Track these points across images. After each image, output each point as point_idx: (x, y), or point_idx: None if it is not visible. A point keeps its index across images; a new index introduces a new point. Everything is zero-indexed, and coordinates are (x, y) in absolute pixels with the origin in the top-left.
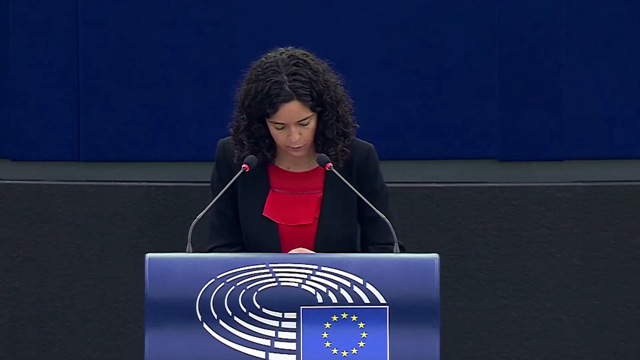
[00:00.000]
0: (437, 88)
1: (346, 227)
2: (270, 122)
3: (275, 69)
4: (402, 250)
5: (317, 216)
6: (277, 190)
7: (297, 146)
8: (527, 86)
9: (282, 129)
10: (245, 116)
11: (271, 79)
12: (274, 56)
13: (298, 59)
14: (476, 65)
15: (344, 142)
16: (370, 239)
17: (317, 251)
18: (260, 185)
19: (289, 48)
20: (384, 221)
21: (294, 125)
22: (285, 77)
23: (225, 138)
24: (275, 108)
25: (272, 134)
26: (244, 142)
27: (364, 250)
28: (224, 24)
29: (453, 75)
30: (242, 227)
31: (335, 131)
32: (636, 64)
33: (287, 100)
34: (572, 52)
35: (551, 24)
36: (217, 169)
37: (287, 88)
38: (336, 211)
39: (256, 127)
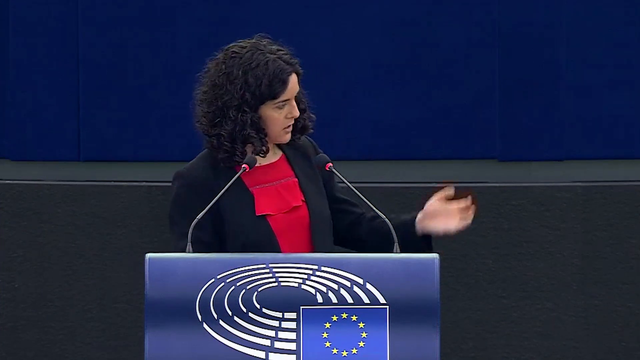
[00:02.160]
0: (437, 88)
1: (327, 206)
2: (275, 103)
3: (261, 51)
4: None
5: (303, 199)
6: (258, 186)
7: (292, 123)
8: (527, 86)
9: (283, 107)
10: (247, 109)
11: (266, 60)
12: (240, 47)
13: (263, 42)
14: (476, 65)
15: (309, 110)
16: (357, 211)
17: (314, 234)
18: (240, 190)
19: (239, 40)
20: (352, 200)
21: (293, 99)
22: (273, 55)
23: (179, 169)
24: (285, 83)
25: (271, 120)
26: (252, 134)
27: (369, 220)
28: (224, 24)
29: (453, 75)
30: (235, 237)
31: (305, 101)
32: (636, 64)
33: (290, 73)
34: (572, 52)
35: (551, 24)
36: (189, 195)
37: (283, 62)
38: (315, 192)
39: (257, 117)
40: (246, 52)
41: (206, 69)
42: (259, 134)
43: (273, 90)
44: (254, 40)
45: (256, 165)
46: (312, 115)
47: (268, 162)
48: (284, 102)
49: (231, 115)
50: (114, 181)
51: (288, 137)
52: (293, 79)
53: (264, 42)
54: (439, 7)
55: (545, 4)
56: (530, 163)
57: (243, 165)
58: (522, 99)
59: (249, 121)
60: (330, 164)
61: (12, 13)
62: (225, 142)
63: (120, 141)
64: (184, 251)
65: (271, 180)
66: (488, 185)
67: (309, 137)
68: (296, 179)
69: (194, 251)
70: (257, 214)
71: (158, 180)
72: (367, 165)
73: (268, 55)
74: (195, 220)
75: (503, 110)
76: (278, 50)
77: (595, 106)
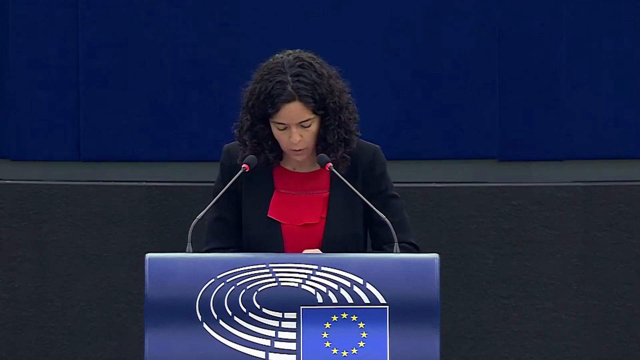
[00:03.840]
0: (437, 88)
1: (353, 227)
2: (273, 122)
3: (280, 69)
4: (417, 249)
5: (323, 216)
6: (281, 190)
7: (298, 148)
8: (527, 86)
9: (284, 129)
10: (249, 116)
11: (275, 79)
12: (281, 57)
13: (304, 60)
14: (476, 65)
15: (344, 149)
16: (385, 239)
17: (324, 252)
18: (264, 186)
19: (297, 50)
20: (393, 221)
21: (295, 126)
22: (289, 78)
23: (230, 143)
24: (276, 108)
25: (275, 135)
26: (247, 142)
27: (379, 249)
28: (224, 24)
29: (453, 75)
30: (245, 230)
31: (336, 137)
32: (636, 64)
33: (288, 101)
34: (572, 52)
35: (551, 24)
36: (220, 173)
37: (289, 88)
38: (343, 210)
39: (259, 127)
40: (272, 63)
41: None
42: (262, 143)
43: (264, 109)
44: (292, 57)
45: (293, 171)
46: (346, 152)
47: (307, 171)
48: (282, 125)
49: (239, 115)
50: (114, 181)
51: (299, 158)
52: (290, 107)
53: (294, 62)
54: (439, 7)
55: (545, 4)
56: (530, 163)
57: (243, 165)
58: (522, 99)
59: (245, 127)
60: (330, 164)
61: (12, 13)
62: (252, 149)
63: (120, 141)
64: (212, 222)
65: (301, 189)
66: (488, 185)
67: (377, 147)
68: (327, 194)
69: (217, 227)
70: (268, 215)
71: (158, 180)
72: None
73: (281, 76)
74: (195, 221)
75: (503, 110)
76: (297, 75)
77: (595, 106)
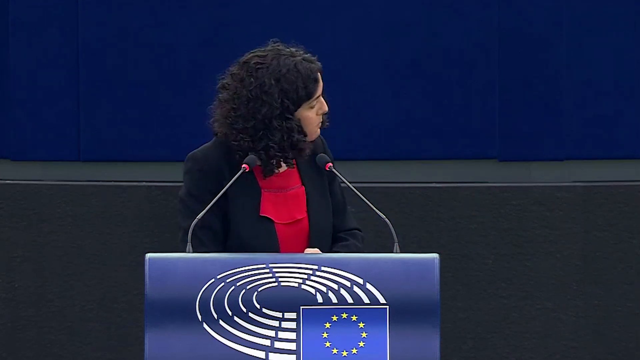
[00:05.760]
0: (437, 88)
1: (330, 218)
2: (310, 103)
3: (287, 56)
4: (362, 238)
5: (306, 211)
6: (267, 190)
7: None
8: (527, 86)
9: (315, 105)
10: (290, 115)
11: (294, 63)
12: (261, 57)
13: (280, 47)
14: (476, 65)
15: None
16: (339, 227)
17: (312, 245)
18: (250, 188)
19: (260, 48)
20: (345, 209)
21: (321, 95)
22: (298, 57)
23: (194, 151)
24: (318, 81)
25: (306, 121)
26: (302, 140)
27: (334, 239)
28: (224, 24)
29: (453, 75)
30: (236, 231)
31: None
32: (636, 64)
33: (318, 70)
34: (572, 52)
35: (551, 24)
36: (192, 179)
37: (308, 62)
38: (320, 202)
39: (298, 121)
40: (271, 61)
41: (225, 85)
42: (305, 137)
43: (309, 92)
44: (270, 47)
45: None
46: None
47: (281, 170)
48: (316, 100)
49: (276, 125)
50: (114, 181)
51: (318, 132)
52: (319, 76)
53: (282, 47)
54: (439, 7)
55: (545, 4)
56: (530, 163)
57: (243, 166)
58: (522, 99)
59: (295, 126)
60: (330, 164)
61: (12, 13)
62: (277, 153)
63: (120, 141)
64: (188, 229)
65: (282, 187)
66: (488, 185)
67: (321, 136)
68: (303, 188)
69: (204, 236)
70: (260, 214)
71: (158, 180)
72: (367, 165)
73: (293, 58)
74: (195, 220)
75: (503, 110)
76: (297, 51)
77: (595, 106)
